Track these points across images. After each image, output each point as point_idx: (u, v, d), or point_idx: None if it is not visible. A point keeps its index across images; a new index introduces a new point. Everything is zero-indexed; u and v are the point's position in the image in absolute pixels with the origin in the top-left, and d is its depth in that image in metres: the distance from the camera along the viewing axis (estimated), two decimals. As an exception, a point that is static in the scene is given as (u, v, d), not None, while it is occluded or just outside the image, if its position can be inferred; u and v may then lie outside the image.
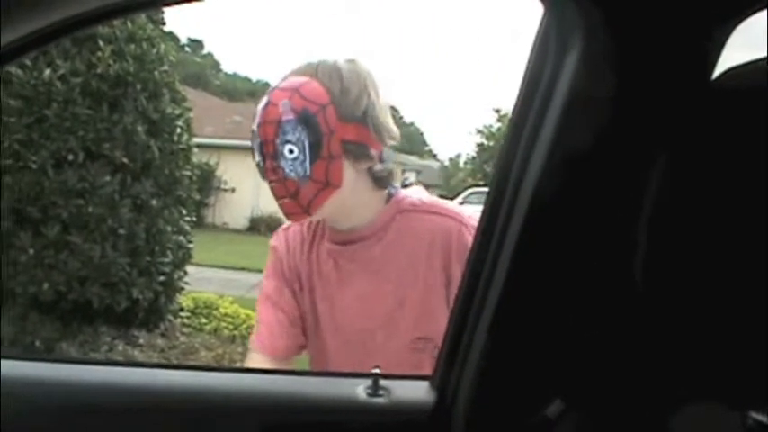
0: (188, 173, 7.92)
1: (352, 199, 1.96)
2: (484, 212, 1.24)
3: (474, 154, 52.70)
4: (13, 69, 6.64)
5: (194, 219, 8.33)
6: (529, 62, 1.11)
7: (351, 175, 1.92)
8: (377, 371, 1.41)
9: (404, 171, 41.35)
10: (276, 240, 2.18)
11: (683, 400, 0.94)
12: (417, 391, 1.38)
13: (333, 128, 1.86)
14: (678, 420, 0.95)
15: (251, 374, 1.70)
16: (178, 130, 7.70)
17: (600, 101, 0.98)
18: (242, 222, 24.12)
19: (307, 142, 1.86)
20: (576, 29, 0.97)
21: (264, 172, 1.92)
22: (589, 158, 1.00)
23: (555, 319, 1.05)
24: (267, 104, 1.88)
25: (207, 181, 21.53)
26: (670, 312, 0.89)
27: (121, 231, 7.04)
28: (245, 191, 23.56)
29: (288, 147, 1.86)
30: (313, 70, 1.91)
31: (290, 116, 1.87)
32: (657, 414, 0.95)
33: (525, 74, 1.12)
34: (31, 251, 6.78)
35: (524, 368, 1.07)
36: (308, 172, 1.87)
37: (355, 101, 1.90)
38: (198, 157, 8.71)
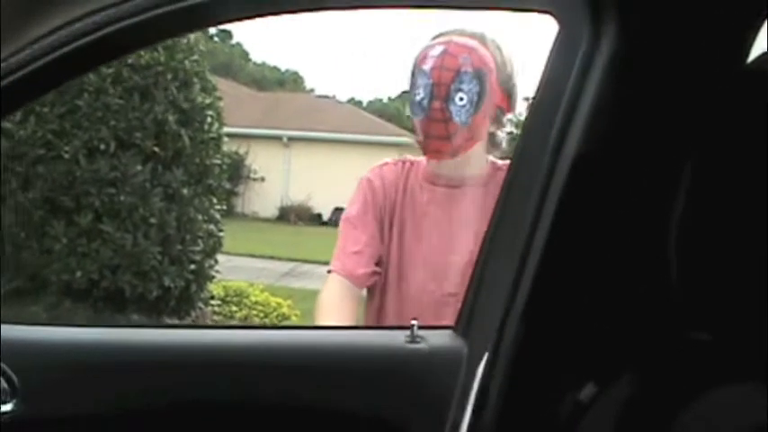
0: (218, 162, 7.94)
1: (474, 152, 2.20)
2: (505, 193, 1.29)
3: (504, 145, 52.75)
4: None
5: (224, 207, 8.36)
6: (548, 63, 1.12)
7: (485, 132, 2.19)
8: (414, 322, 1.62)
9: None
10: (372, 175, 2.34)
11: (714, 382, 0.95)
12: (444, 338, 1.60)
13: (494, 89, 2.12)
14: (708, 403, 0.95)
15: (301, 331, 2.15)
16: (208, 120, 7.72)
17: (630, 95, 0.98)
18: (271, 211, 24.14)
19: (475, 96, 2.10)
20: (602, 24, 0.98)
21: (428, 110, 2.12)
22: (622, 147, 1.00)
23: (588, 302, 1.05)
24: (444, 53, 2.10)
25: (236, 170, 21.57)
26: (704, 295, 0.89)
27: (153, 220, 7.08)
28: (274, 180, 23.59)
29: (460, 95, 2.11)
30: (480, 38, 2.15)
31: (469, 69, 2.10)
32: (689, 396, 0.95)
33: (544, 76, 1.13)
34: (65, 240, 6.84)
35: (557, 354, 1.08)
36: (468, 121, 2.11)
37: (509, 74, 2.18)
38: (227, 146, 8.74)
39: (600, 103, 1.01)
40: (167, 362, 1.69)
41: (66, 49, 1.59)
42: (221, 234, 8.07)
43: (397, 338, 1.64)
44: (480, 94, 2.12)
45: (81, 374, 1.72)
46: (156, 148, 7.11)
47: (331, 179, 19.21)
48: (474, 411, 1.13)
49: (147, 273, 7.11)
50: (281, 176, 23.25)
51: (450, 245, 2.23)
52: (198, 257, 7.62)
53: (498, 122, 2.22)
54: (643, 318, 1.04)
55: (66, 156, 6.77)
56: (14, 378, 1.67)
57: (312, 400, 1.65)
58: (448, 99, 2.11)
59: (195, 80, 7.63)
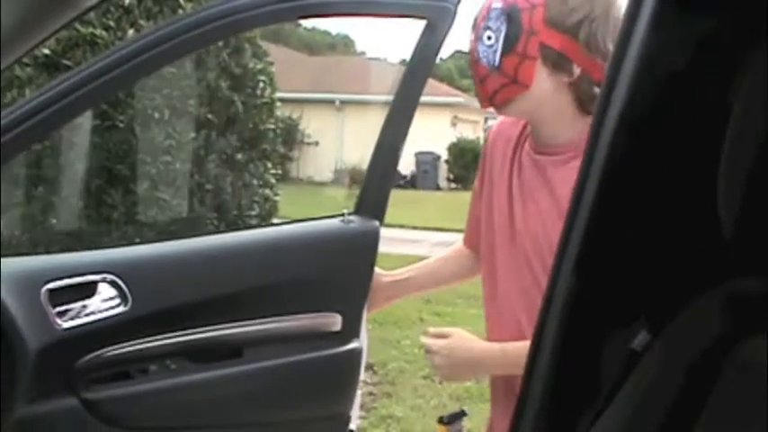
0: (272, 126, 7.97)
1: (548, 109, 1.98)
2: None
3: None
4: (97, 30, 6.75)
5: (279, 172, 8.40)
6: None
7: (547, 83, 1.94)
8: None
9: (486, 119, 41.20)
10: (491, 134, 2.25)
11: (763, 331, 0.95)
12: None
13: (536, 29, 1.87)
14: (755, 352, 0.95)
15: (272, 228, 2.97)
16: (261, 85, 7.75)
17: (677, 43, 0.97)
18: (326, 175, 24.26)
19: (503, 34, 1.89)
20: None
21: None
22: (665, 111, 0.99)
23: (639, 252, 1.05)
24: None
25: (290, 135, 21.67)
26: (757, 243, 0.89)
27: (208, 186, 7.15)
28: (328, 144, 23.70)
29: (487, 33, 1.92)
30: None
31: (499, 4, 1.92)
32: (737, 345, 0.95)
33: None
34: (122, 208, 6.93)
35: (609, 303, 1.08)
36: (497, 62, 1.91)
37: (571, 10, 1.89)
38: (281, 111, 8.77)
39: (647, 53, 1.00)
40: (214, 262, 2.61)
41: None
42: (277, 198, 8.12)
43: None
44: (510, 33, 1.88)
45: (166, 277, 2.56)
46: (210, 115, 7.16)
47: (384, 141, 19.23)
48: (528, 362, 1.14)
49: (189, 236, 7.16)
50: (335, 140, 23.33)
51: (545, 223, 2.03)
52: (254, 222, 7.68)
53: (564, 70, 1.92)
54: (694, 266, 1.04)
55: (122, 125, 6.84)
56: (125, 287, 2.42)
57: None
58: (477, 38, 1.95)
59: (246, 46, 7.65)
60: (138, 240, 6.84)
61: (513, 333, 2.11)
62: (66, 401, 2.44)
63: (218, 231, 6.85)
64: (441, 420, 2.30)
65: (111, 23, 6.88)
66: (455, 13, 2.40)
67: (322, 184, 23.67)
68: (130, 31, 6.92)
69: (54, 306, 2.38)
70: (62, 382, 2.44)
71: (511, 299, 2.13)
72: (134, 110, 6.88)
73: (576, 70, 1.91)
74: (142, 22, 7.02)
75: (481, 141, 32.19)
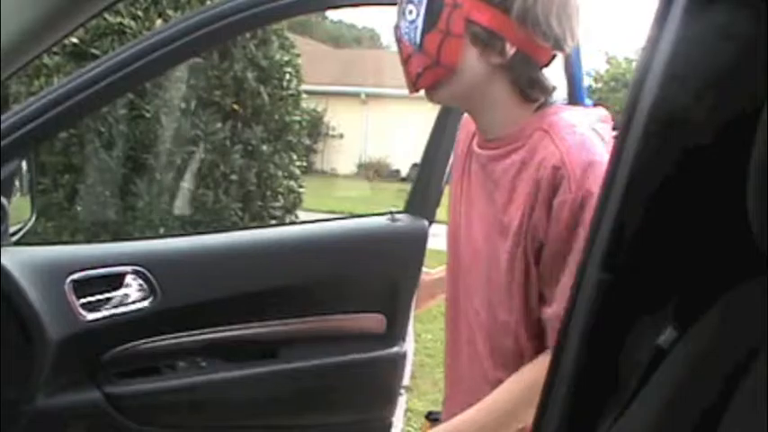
0: (297, 118, 7.98)
1: (481, 95, 1.71)
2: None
3: (583, 96, 52.21)
4: (125, 20, 6.78)
5: (304, 164, 8.41)
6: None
7: (477, 65, 1.67)
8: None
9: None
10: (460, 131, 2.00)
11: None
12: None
13: (460, 2, 1.61)
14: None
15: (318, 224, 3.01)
16: (287, 77, 7.75)
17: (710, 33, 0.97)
18: (350, 168, 24.28)
19: (424, 7, 1.63)
20: None
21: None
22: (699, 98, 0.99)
23: (668, 247, 1.05)
24: None
25: (315, 127, 21.71)
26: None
27: (233, 177, 7.16)
28: (353, 137, 23.70)
29: (409, 6, 1.66)
30: None
31: None
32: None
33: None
34: (147, 197, 6.95)
35: (637, 298, 1.08)
36: (419, 40, 1.65)
37: None
38: (306, 103, 8.78)
39: (678, 48, 0.99)
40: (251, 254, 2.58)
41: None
42: (301, 190, 8.13)
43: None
44: (431, 6, 1.62)
45: (199, 271, 2.50)
46: (236, 106, 7.18)
47: (409, 135, 19.26)
48: (553, 357, 1.14)
49: (228, 229, 7.20)
50: (360, 133, 23.33)
51: (479, 233, 1.82)
52: (278, 213, 7.69)
53: (495, 51, 1.64)
54: (723, 263, 1.04)
55: (148, 115, 6.86)
56: (152, 279, 2.39)
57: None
58: (401, 14, 1.68)
59: (273, 38, 7.65)
60: (162, 230, 6.88)
61: (468, 370, 1.90)
62: (88, 395, 2.41)
63: (260, 226, 6.85)
64: (428, 416, 2.15)
65: (140, 13, 6.91)
66: None
67: (346, 176, 23.69)
68: (158, 21, 6.95)
69: (79, 297, 2.36)
70: (85, 375, 2.41)
71: (459, 325, 1.92)
72: (161, 100, 6.90)
73: (511, 50, 1.63)
74: (170, 12, 7.04)
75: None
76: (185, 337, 2.48)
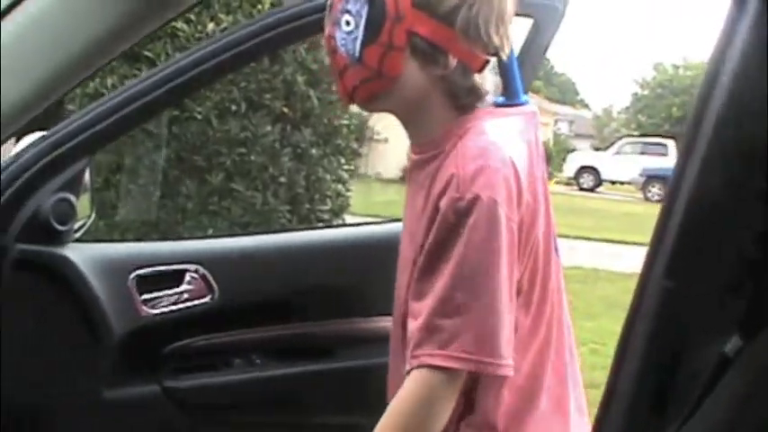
0: (346, 122, 8.01)
1: (417, 104, 1.68)
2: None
3: (628, 104, 51.66)
4: (178, 23, 6.85)
5: (352, 168, 8.43)
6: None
7: (417, 76, 1.63)
8: None
9: (556, 121, 40.92)
10: None
11: None
12: None
13: (402, 14, 1.55)
14: None
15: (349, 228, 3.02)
16: (336, 81, 7.75)
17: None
18: (394, 172, 24.23)
19: (364, 19, 1.57)
20: None
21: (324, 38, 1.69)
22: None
23: (732, 255, 1.06)
24: None
25: (361, 131, 21.71)
26: None
27: (282, 179, 7.20)
28: (397, 141, 23.62)
29: (345, 17, 1.60)
30: None
31: None
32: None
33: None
34: (197, 198, 7.02)
35: (703, 303, 1.09)
36: (358, 53, 1.60)
37: None
38: (353, 107, 8.79)
39: (750, 50, 1.00)
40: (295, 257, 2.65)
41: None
42: (349, 194, 8.15)
43: None
44: (373, 18, 1.56)
45: (256, 270, 2.57)
46: (286, 109, 7.21)
47: (454, 140, 19.20)
48: (615, 363, 1.15)
49: (275, 231, 7.24)
50: (404, 138, 23.26)
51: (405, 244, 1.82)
52: (326, 217, 7.72)
53: (436, 63, 1.60)
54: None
55: (199, 117, 6.93)
56: (211, 277, 2.47)
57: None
58: (335, 24, 1.63)
59: (323, 42, 7.66)
60: (210, 230, 6.94)
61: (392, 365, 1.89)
62: (148, 388, 2.50)
63: (314, 228, 6.88)
64: None
65: (192, 17, 6.97)
66: (563, 12, 2.36)
67: (390, 181, 23.66)
68: (210, 25, 7.01)
69: (141, 293, 2.45)
70: (145, 369, 2.50)
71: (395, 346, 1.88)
72: (212, 102, 6.96)
73: (453, 62, 1.60)
74: (222, 15, 7.10)
75: (551, 144, 31.97)
76: (241, 335, 2.55)
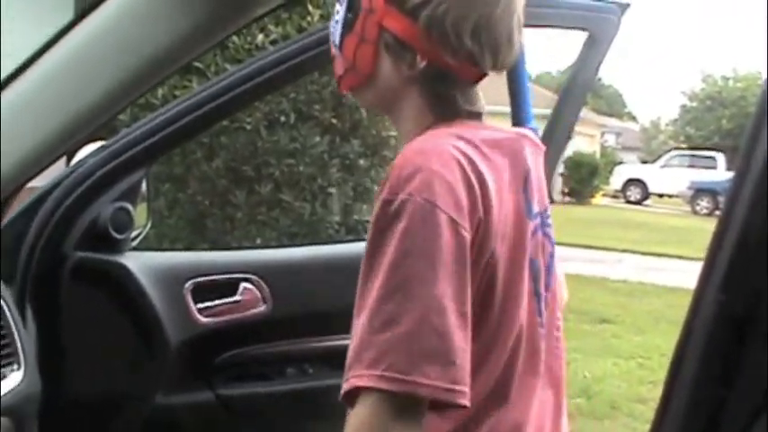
0: (394, 133, 8.02)
1: (395, 106, 1.59)
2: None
3: (676, 116, 51.20)
4: (228, 34, 6.90)
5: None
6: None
7: (391, 75, 1.54)
8: None
9: (603, 133, 40.63)
10: None
11: None
12: None
13: (375, 6, 1.49)
14: None
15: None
16: (384, 92, 7.77)
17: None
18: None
19: (344, 8, 1.55)
20: None
21: None
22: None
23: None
24: None
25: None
26: None
27: (330, 190, 7.23)
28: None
29: (337, 6, 1.57)
30: None
31: None
32: None
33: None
34: (246, 208, 7.06)
35: (758, 316, 1.10)
36: (338, 42, 1.57)
37: None
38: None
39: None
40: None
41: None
42: (396, 205, 8.14)
43: None
44: (351, 8, 1.53)
45: (310, 281, 2.59)
46: (334, 120, 7.24)
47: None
48: (670, 375, 1.16)
49: (324, 242, 7.27)
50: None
51: None
52: (373, 227, 7.71)
53: (404, 61, 1.50)
54: None
55: (248, 127, 6.98)
56: (266, 287, 2.52)
57: None
58: (334, 12, 1.59)
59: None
60: (258, 241, 6.99)
61: None
62: (201, 395, 2.53)
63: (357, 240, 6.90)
64: None
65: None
66: (618, 25, 2.34)
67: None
68: (260, 36, 7.07)
69: (196, 302, 2.48)
70: (199, 377, 2.53)
71: None
72: (261, 113, 7.01)
73: (421, 63, 1.49)
74: (271, 27, 7.16)
75: (597, 155, 31.75)
76: (294, 345, 2.58)
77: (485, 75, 1.54)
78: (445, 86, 1.53)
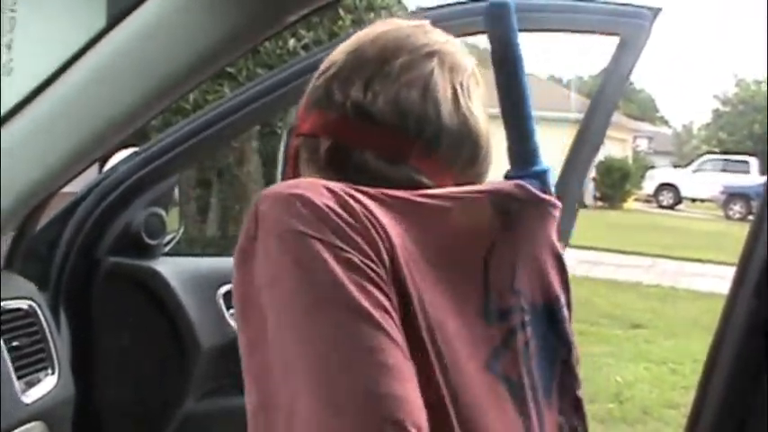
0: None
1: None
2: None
3: (709, 120, 50.91)
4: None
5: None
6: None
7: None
8: None
9: (635, 138, 40.44)
10: None
11: None
12: None
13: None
14: None
15: None
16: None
17: None
18: (471, 188, 24.20)
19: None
20: None
21: None
22: None
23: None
24: None
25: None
26: None
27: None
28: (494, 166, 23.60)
29: None
30: None
31: None
32: None
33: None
34: (277, 213, 7.07)
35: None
36: None
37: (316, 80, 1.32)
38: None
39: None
40: None
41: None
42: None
43: None
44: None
45: None
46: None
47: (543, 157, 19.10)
48: (703, 378, 1.16)
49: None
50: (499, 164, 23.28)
51: None
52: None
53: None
54: None
55: (280, 131, 7.01)
56: None
57: None
58: None
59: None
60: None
61: None
62: (234, 401, 2.51)
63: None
64: None
65: (274, 33, 7.07)
66: (650, 30, 2.33)
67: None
68: (291, 41, 7.11)
69: (229, 308, 2.47)
70: (232, 383, 2.52)
71: None
72: (291, 117, 7.03)
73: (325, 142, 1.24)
74: (303, 32, 7.20)
75: (629, 160, 31.62)
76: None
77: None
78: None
